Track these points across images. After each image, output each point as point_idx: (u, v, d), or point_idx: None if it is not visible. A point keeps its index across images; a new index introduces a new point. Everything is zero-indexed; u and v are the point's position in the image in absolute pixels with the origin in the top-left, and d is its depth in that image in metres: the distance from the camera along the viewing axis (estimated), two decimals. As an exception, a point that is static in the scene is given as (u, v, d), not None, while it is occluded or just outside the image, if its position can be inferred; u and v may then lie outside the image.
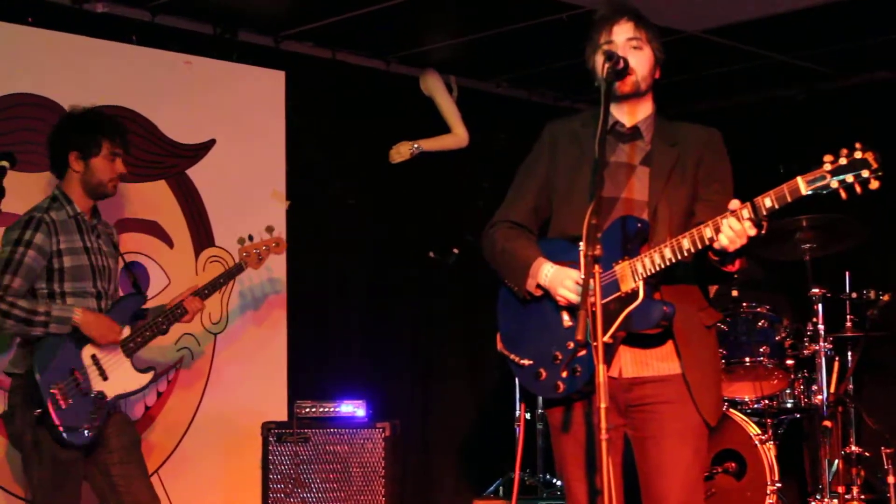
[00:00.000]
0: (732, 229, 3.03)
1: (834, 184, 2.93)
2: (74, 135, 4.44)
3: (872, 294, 5.69)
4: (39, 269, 4.29)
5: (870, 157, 2.91)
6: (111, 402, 4.37)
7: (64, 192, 4.42)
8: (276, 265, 5.99)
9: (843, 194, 2.94)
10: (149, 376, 4.52)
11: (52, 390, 4.18)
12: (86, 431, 4.23)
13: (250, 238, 5.00)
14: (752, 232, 3.03)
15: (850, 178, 2.91)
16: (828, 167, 2.94)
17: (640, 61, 3.33)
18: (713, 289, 3.48)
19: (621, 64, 3.24)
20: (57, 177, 4.49)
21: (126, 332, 4.46)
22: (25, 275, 4.26)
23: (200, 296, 4.67)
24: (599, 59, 3.30)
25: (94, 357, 4.34)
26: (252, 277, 5.91)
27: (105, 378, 4.35)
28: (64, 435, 4.18)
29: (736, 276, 3.22)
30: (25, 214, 4.35)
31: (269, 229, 5.04)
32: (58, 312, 4.27)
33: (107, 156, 4.44)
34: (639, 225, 3.23)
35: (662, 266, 3.15)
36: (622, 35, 3.32)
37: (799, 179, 2.97)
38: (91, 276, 4.39)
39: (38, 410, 4.15)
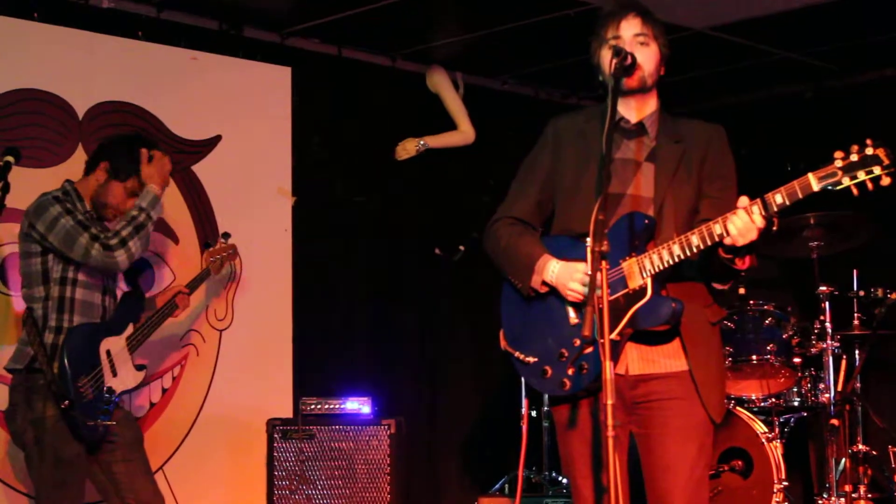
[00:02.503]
0: (742, 223, 3.01)
1: (845, 181, 2.91)
2: (121, 151, 4.45)
3: (880, 292, 5.66)
4: None
5: (881, 153, 2.89)
6: (117, 398, 4.38)
7: (77, 189, 4.43)
8: (278, 262, 5.99)
9: (855, 191, 2.92)
10: (143, 374, 4.57)
11: (78, 384, 4.20)
12: (100, 427, 4.25)
13: (210, 245, 5.17)
14: (762, 224, 3.02)
15: (861, 174, 2.89)
16: (839, 164, 2.92)
17: (647, 57, 3.32)
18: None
19: (629, 60, 3.23)
20: (86, 171, 4.48)
21: (130, 328, 4.49)
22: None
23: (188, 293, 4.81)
24: (606, 55, 3.28)
25: (108, 353, 4.36)
26: (252, 268, 5.91)
27: (115, 374, 4.37)
28: (82, 431, 4.19)
29: (744, 273, 3.20)
30: (46, 195, 4.33)
31: (225, 236, 5.17)
32: (144, 203, 4.37)
33: (127, 187, 4.44)
34: (646, 221, 3.21)
35: (671, 262, 3.13)
36: (629, 31, 3.31)
37: (810, 176, 2.96)
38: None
39: (66, 402, 4.14)
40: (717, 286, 3.33)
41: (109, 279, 4.47)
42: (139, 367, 4.53)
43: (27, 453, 4.27)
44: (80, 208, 4.37)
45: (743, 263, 3.16)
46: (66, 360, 4.20)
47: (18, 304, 4.86)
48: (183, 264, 5.65)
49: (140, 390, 5.22)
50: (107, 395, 4.30)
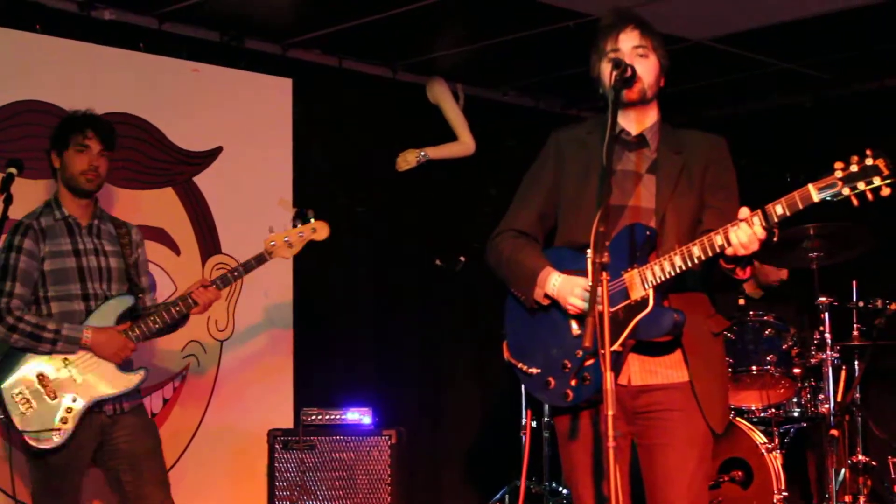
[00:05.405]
0: (744, 234, 3.03)
1: (845, 191, 2.91)
2: (53, 134, 4.45)
3: (880, 303, 5.67)
4: (36, 274, 4.27)
5: (881, 163, 2.89)
6: (91, 405, 4.24)
7: (56, 195, 4.42)
8: (279, 272, 5.99)
9: (855, 201, 2.93)
10: (139, 376, 4.35)
11: (14, 395, 4.16)
12: (54, 436, 4.16)
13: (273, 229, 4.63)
14: (763, 235, 3.03)
15: (861, 185, 2.90)
16: (839, 174, 2.92)
17: (647, 69, 3.32)
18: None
19: (629, 72, 3.23)
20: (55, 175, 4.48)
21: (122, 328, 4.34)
22: (23, 280, 4.25)
23: (215, 286, 4.44)
24: (606, 67, 3.29)
25: (65, 360, 4.25)
26: (254, 279, 5.90)
27: (78, 381, 4.24)
28: (29, 441, 4.14)
29: (748, 278, 3.21)
30: (22, 220, 4.34)
31: (304, 216, 4.66)
32: (67, 332, 4.23)
33: (76, 148, 4.37)
34: (647, 233, 3.22)
35: (672, 274, 3.14)
36: (628, 43, 3.32)
37: (810, 187, 2.96)
38: (77, 278, 4.32)
39: (1, 417, 4.13)
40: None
41: (95, 283, 4.36)
42: (135, 370, 4.33)
43: (26, 459, 4.28)
44: (56, 216, 4.34)
45: (744, 273, 3.17)
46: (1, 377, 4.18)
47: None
48: (184, 275, 5.65)
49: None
50: (69, 404, 4.19)
